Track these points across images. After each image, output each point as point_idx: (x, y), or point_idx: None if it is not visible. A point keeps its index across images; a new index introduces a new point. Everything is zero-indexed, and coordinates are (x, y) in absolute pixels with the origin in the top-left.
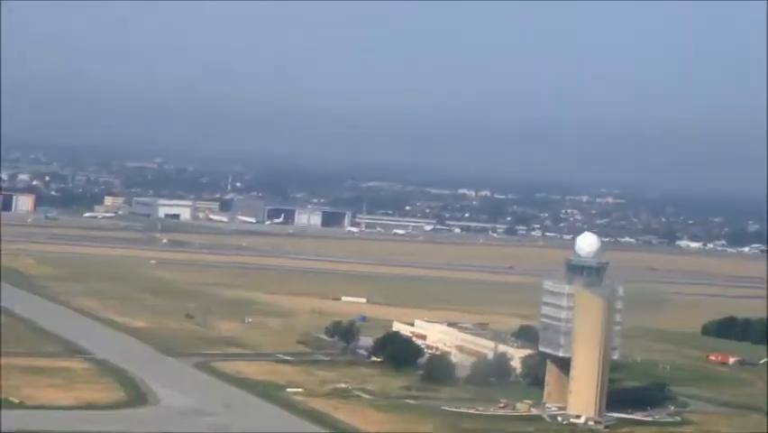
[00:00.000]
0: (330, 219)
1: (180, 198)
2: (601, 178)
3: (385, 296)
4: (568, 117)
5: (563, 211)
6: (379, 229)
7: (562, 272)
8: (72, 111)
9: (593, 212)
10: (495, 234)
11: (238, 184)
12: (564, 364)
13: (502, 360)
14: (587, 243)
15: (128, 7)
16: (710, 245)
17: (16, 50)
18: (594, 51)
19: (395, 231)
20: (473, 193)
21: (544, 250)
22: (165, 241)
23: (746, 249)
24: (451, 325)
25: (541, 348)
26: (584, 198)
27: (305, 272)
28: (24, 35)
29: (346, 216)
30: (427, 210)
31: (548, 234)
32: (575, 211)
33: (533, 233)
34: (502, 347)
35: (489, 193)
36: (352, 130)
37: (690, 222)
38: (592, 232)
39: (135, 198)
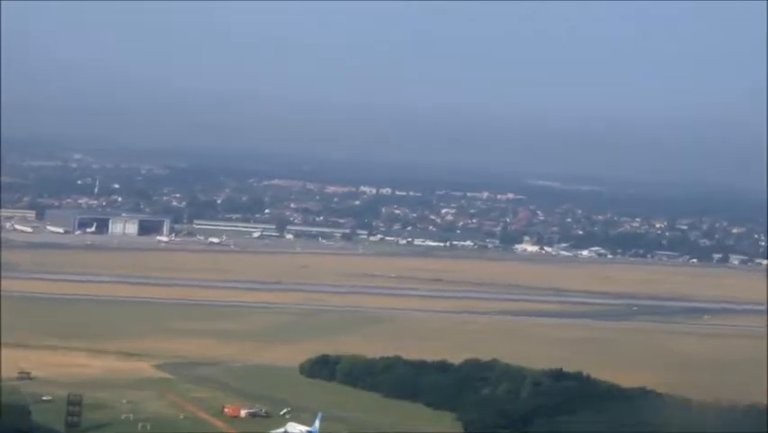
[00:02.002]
0: (148, 228)
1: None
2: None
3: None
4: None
5: (439, 210)
6: (198, 237)
7: None
8: None
9: (471, 211)
10: (325, 241)
11: (96, 189)
12: None
13: None
14: None
15: None
16: (549, 249)
17: None
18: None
19: (210, 240)
20: (374, 190)
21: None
22: None
23: (585, 252)
24: None
25: None
26: (485, 195)
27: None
28: None
29: (165, 224)
30: (289, 213)
31: (389, 237)
32: (450, 210)
33: (371, 237)
34: None
35: (389, 190)
36: (268, 122)
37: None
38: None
39: None
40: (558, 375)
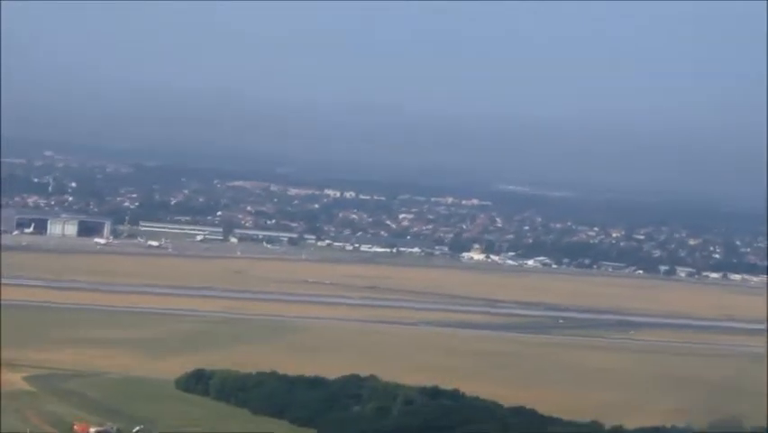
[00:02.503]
0: (88, 229)
1: None
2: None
3: None
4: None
5: (397, 216)
6: (138, 240)
7: None
8: None
9: (430, 217)
10: (270, 246)
11: (50, 188)
12: None
13: None
14: None
15: None
16: (495, 258)
17: None
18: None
19: (149, 243)
20: (338, 194)
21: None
22: None
23: (531, 262)
24: None
25: None
26: (449, 200)
27: None
28: None
29: (106, 226)
30: (242, 216)
31: (337, 243)
32: (407, 216)
33: (319, 242)
34: None
35: (353, 194)
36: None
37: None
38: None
39: None
40: (433, 393)
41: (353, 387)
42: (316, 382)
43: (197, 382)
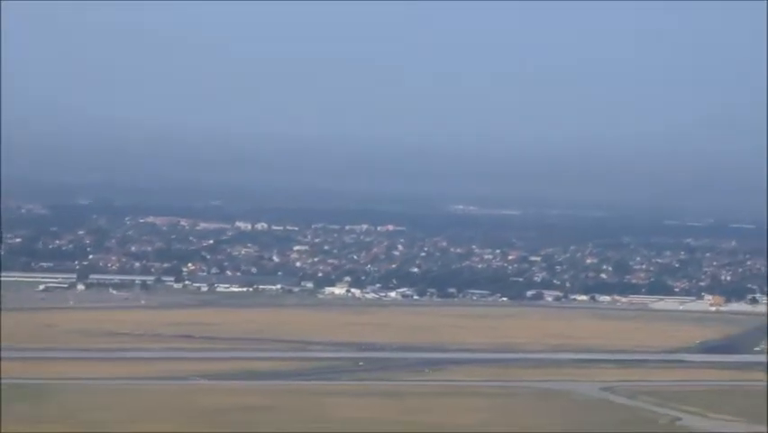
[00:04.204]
0: None
1: None
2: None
3: None
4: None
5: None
6: None
7: None
8: None
9: (325, 248)
10: (116, 292)
11: None
12: None
13: None
14: None
15: None
16: (356, 291)
17: None
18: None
19: None
20: (249, 226)
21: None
22: None
23: (393, 294)
24: None
25: None
26: (364, 228)
27: None
28: None
29: None
30: (115, 258)
31: (196, 283)
32: (301, 247)
33: (176, 284)
34: None
35: (265, 225)
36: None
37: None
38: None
39: None
40: None
41: None
42: None
43: None
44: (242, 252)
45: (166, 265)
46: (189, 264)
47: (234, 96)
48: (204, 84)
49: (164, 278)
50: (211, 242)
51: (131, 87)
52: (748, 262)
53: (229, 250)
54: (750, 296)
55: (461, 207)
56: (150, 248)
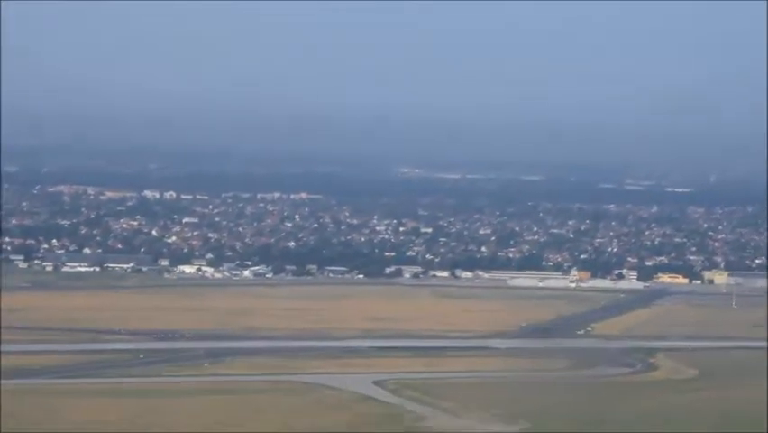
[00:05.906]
0: None
1: None
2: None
3: None
4: None
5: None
6: None
7: None
8: None
9: (216, 220)
10: None
11: None
12: None
13: None
14: None
15: None
16: (208, 270)
17: None
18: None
19: None
20: (157, 195)
21: None
22: None
23: (247, 273)
24: None
25: None
26: (276, 196)
27: None
28: None
29: None
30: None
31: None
32: (190, 220)
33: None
34: None
35: (174, 194)
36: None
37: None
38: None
39: None
40: None
41: None
42: None
43: None
44: (124, 225)
45: (30, 242)
46: (54, 240)
47: None
48: None
49: (13, 256)
50: (94, 214)
51: None
52: (646, 232)
53: (111, 223)
54: (617, 271)
55: (406, 170)
56: (28, 221)
